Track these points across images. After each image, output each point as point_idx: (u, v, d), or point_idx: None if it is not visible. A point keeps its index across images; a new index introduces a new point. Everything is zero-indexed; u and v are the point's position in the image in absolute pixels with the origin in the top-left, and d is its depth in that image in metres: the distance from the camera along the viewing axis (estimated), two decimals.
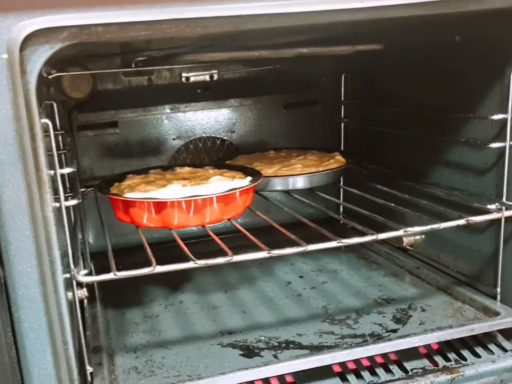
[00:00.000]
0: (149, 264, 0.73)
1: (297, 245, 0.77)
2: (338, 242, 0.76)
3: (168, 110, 1.30)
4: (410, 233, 0.78)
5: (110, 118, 1.27)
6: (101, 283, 0.83)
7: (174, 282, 1.14)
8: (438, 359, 0.86)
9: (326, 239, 0.81)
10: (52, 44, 0.59)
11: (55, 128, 0.73)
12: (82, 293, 0.77)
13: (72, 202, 0.70)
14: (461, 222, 0.81)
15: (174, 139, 1.32)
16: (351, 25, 0.64)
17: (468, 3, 0.65)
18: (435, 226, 0.78)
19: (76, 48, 0.63)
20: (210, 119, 1.32)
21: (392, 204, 0.96)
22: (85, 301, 0.98)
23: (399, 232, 0.78)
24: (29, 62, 0.59)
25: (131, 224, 0.91)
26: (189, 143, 1.33)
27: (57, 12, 0.58)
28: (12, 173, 0.62)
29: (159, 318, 1.00)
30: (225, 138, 1.34)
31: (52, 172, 0.66)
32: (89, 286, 0.81)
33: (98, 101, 1.19)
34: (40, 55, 0.59)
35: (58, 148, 0.76)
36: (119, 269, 0.72)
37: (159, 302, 1.07)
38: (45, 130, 0.64)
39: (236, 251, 0.76)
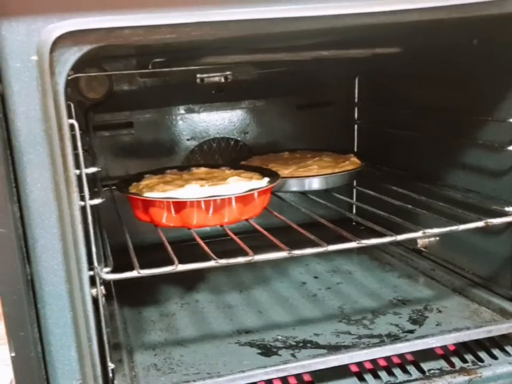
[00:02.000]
0: (166, 263, 0.74)
1: (316, 245, 0.78)
2: (358, 243, 0.77)
3: (182, 111, 1.31)
4: (429, 235, 0.79)
5: (125, 118, 1.28)
6: (116, 281, 0.84)
7: (189, 282, 1.15)
8: (454, 360, 0.87)
9: (344, 239, 0.82)
10: (80, 46, 0.60)
11: None
12: (100, 290, 0.78)
13: (96, 201, 0.71)
14: (480, 224, 0.81)
15: (188, 140, 1.33)
16: (372, 28, 0.65)
17: (489, 7, 0.66)
18: (454, 228, 0.79)
19: (102, 50, 0.64)
20: (224, 120, 1.33)
21: (409, 206, 0.96)
22: (103, 299, 0.99)
23: (418, 234, 0.79)
24: (58, 64, 0.60)
25: (150, 224, 0.92)
26: (203, 144, 1.34)
27: (86, 14, 0.60)
28: (40, 172, 0.63)
29: (175, 317, 1.01)
30: (239, 139, 1.35)
31: (78, 172, 0.67)
32: (106, 284, 0.82)
33: (114, 101, 1.20)
34: (68, 57, 0.61)
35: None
36: (126, 268, 0.74)
37: (174, 300, 1.08)
38: (71, 130, 0.65)
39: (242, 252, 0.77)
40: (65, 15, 0.59)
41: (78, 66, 0.89)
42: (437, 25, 0.68)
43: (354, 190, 1.33)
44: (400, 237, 0.78)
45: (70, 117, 0.66)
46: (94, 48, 0.61)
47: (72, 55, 0.60)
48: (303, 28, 0.61)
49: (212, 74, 1.20)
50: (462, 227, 0.80)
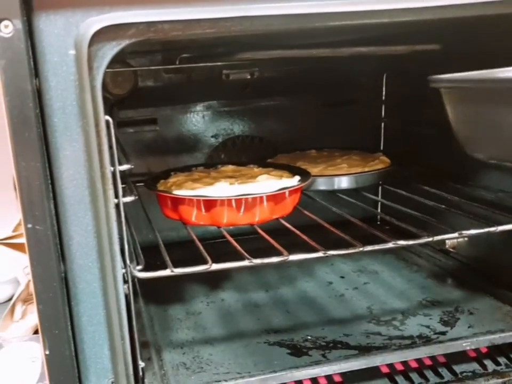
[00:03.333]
0: (191, 261, 0.73)
1: (350, 245, 0.77)
2: (394, 244, 0.75)
3: (206, 108, 1.30)
4: (465, 236, 0.77)
5: (149, 115, 1.27)
6: (141, 279, 0.84)
7: (213, 280, 1.14)
8: (487, 362, 0.86)
9: (374, 239, 0.81)
10: (119, 40, 0.59)
11: None
12: (127, 288, 0.78)
13: (129, 198, 0.71)
14: None
15: (212, 137, 1.32)
16: (415, 24, 0.63)
17: None
18: (492, 229, 0.77)
19: (135, 45, 0.63)
20: (248, 117, 1.32)
21: (441, 206, 0.95)
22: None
23: (454, 234, 0.77)
24: (95, 59, 0.59)
25: (171, 222, 0.92)
26: (227, 141, 1.33)
27: (125, 8, 0.59)
28: (76, 169, 0.62)
29: (202, 315, 1.01)
30: (264, 136, 1.33)
31: (112, 168, 0.66)
32: (132, 282, 0.81)
33: (138, 97, 1.19)
34: (107, 52, 0.60)
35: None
36: (157, 266, 0.73)
37: (200, 299, 1.07)
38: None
39: (270, 252, 0.76)
40: (105, 9, 0.58)
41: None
42: (483, 21, 0.67)
43: (380, 189, 1.31)
44: (437, 238, 0.77)
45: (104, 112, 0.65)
46: (132, 43, 0.60)
47: (110, 49, 0.59)
48: (346, 23, 0.60)
49: (238, 71, 1.19)
50: (500, 228, 0.78)
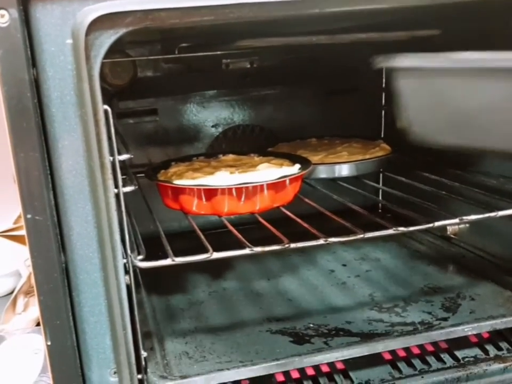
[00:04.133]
0: (192, 251, 0.73)
1: (350, 232, 0.77)
2: (395, 230, 0.75)
3: (207, 97, 1.29)
4: (466, 221, 0.77)
5: (149, 105, 1.26)
6: (143, 269, 0.84)
7: (215, 270, 1.14)
8: (489, 347, 0.86)
9: (375, 226, 0.81)
10: (116, 29, 0.59)
11: None
12: (129, 278, 0.78)
13: (129, 188, 0.70)
14: None
15: (212, 126, 1.31)
16: (416, 9, 0.62)
17: None
18: (492, 214, 0.77)
19: (133, 35, 0.63)
20: (249, 106, 1.31)
21: (441, 192, 0.95)
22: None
23: (455, 220, 0.77)
24: (93, 48, 0.59)
25: (171, 213, 0.92)
26: (228, 131, 1.32)
27: None
28: (75, 159, 0.62)
29: (204, 305, 1.01)
30: (264, 125, 1.33)
31: (111, 158, 0.66)
32: (134, 272, 0.81)
33: (138, 88, 1.19)
34: (104, 41, 0.59)
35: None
36: (159, 257, 0.73)
37: (202, 288, 1.08)
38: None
39: (271, 241, 0.76)
40: None
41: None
42: (485, 5, 0.66)
43: (381, 176, 1.31)
44: (437, 223, 0.77)
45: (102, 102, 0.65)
46: (129, 31, 0.59)
47: (107, 38, 0.59)
48: (345, 9, 0.59)
49: (237, 60, 1.19)
50: (500, 213, 0.78)
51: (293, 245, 0.74)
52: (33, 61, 0.59)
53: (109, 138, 0.65)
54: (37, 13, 0.57)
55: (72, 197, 0.63)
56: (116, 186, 0.67)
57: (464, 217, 0.77)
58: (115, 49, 1.09)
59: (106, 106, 0.64)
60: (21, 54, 0.57)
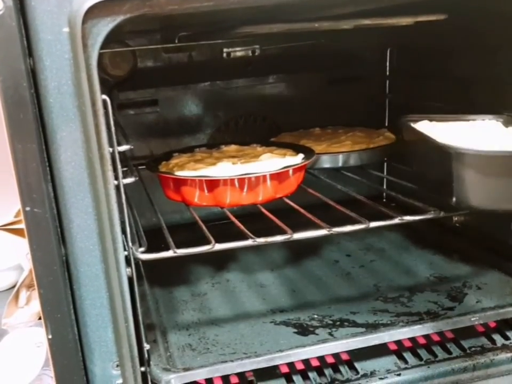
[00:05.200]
0: (195, 242, 0.72)
1: (355, 222, 0.76)
2: (400, 220, 0.74)
3: (208, 87, 1.28)
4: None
5: (150, 96, 1.25)
6: (145, 261, 0.83)
7: (218, 261, 1.13)
8: (496, 337, 0.85)
9: (380, 217, 0.80)
10: (113, 16, 0.58)
11: None
12: (130, 271, 0.77)
13: (130, 180, 0.69)
14: None
15: (214, 117, 1.30)
16: None
17: None
18: None
19: (131, 23, 0.61)
20: (251, 96, 1.30)
21: None
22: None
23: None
24: (90, 36, 0.57)
25: (173, 205, 0.91)
26: (229, 121, 1.31)
27: None
28: (74, 150, 0.61)
29: (207, 296, 1.00)
30: (267, 115, 1.31)
31: (111, 149, 0.65)
32: (136, 264, 0.81)
33: (138, 79, 1.18)
34: (101, 28, 0.58)
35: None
36: (161, 249, 0.72)
37: (205, 280, 1.07)
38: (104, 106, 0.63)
39: (274, 232, 0.75)
40: None
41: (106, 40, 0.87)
42: None
43: (385, 166, 1.29)
44: (444, 213, 0.75)
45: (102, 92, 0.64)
46: (127, 19, 0.58)
47: (105, 26, 0.57)
48: None
49: (238, 48, 1.17)
50: None
51: (296, 236, 0.73)
52: (29, 50, 0.58)
53: (108, 129, 0.63)
54: (33, 1, 0.56)
55: (71, 188, 0.62)
56: (116, 178, 0.66)
57: None
58: (114, 39, 1.09)
59: (104, 96, 0.62)
60: (17, 43, 0.56)
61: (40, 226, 0.61)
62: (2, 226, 1.20)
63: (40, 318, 1.04)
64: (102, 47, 0.59)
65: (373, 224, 0.74)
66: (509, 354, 0.82)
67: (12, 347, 0.93)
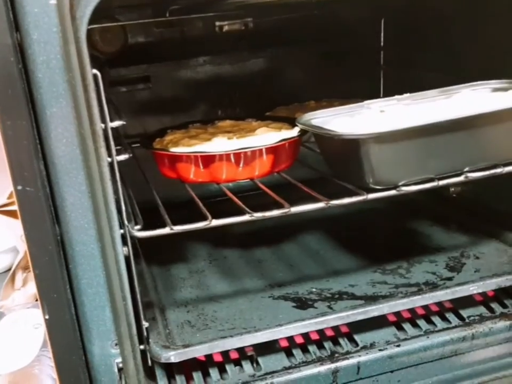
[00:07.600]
0: (192, 220, 0.72)
1: (355, 194, 0.75)
2: (398, 191, 0.74)
3: (201, 62, 1.26)
4: (471, 179, 0.75)
5: (142, 72, 1.23)
6: (142, 240, 0.83)
7: (215, 239, 1.12)
8: (494, 305, 0.86)
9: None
10: None
11: None
12: (127, 249, 0.76)
13: (123, 156, 0.68)
14: None
15: (208, 92, 1.28)
16: None
17: None
18: (498, 170, 0.75)
19: None
20: (245, 70, 1.28)
21: None
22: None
23: (460, 178, 0.75)
24: (78, 7, 0.56)
25: (168, 183, 0.90)
26: (223, 96, 1.29)
27: None
28: (65, 127, 0.60)
29: (205, 273, 0.99)
30: (261, 89, 1.30)
31: (103, 125, 0.63)
32: (133, 243, 0.80)
33: (129, 55, 1.16)
34: (90, 0, 0.56)
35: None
36: (157, 227, 0.71)
37: (202, 257, 1.06)
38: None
39: (271, 207, 0.74)
40: None
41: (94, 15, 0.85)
42: None
43: None
44: (442, 182, 0.74)
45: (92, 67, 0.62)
46: None
47: None
48: None
49: (231, 22, 1.15)
50: (506, 169, 0.75)
51: (293, 209, 0.72)
52: (16, 24, 0.56)
53: (100, 104, 0.62)
54: None
55: (63, 166, 0.61)
56: (110, 155, 0.65)
57: (469, 174, 0.75)
58: (104, 14, 1.06)
59: (95, 71, 0.61)
60: (3, 16, 0.55)
61: (33, 206, 0.60)
62: None
63: (37, 299, 1.04)
64: (91, 22, 0.57)
65: (371, 195, 0.73)
66: (507, 322, 0.82)
67: (10, 329, 0.93)
